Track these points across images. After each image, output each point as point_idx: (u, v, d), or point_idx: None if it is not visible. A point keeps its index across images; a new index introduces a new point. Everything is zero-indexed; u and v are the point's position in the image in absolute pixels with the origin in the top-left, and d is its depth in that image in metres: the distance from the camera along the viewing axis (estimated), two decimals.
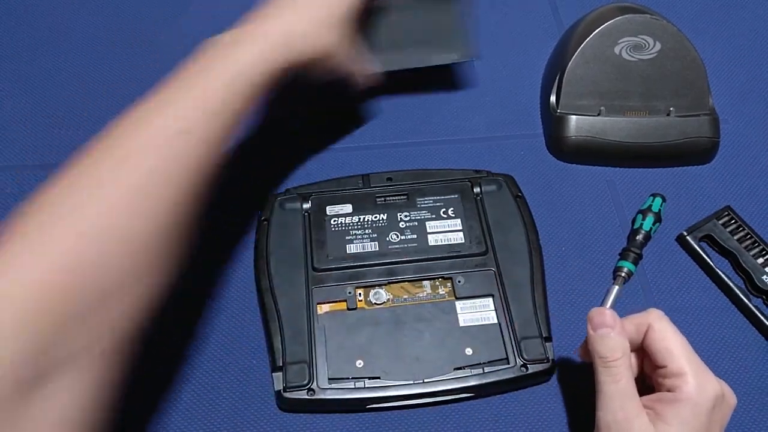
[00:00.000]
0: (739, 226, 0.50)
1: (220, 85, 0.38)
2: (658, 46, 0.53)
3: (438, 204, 0.50)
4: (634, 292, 0.48)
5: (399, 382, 0.42)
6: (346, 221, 0.49)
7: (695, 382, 0.35)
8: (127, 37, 0.62)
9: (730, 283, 0.48)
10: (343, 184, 0.51)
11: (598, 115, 0.54)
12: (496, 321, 0.44)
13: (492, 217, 0.49)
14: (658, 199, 0.50)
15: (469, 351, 0.43)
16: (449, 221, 0.49)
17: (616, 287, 0.47)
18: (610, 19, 0.53)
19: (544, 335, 0.44)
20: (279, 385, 0.42)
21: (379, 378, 0.42)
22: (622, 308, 0.47)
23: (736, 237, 0.49)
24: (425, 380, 0.42)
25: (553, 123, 0.54)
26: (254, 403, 0.44)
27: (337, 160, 0.54)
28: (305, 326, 0.44)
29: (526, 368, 0.43)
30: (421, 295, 0.46)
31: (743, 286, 0.48)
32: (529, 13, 0.64)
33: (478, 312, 0.45)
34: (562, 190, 0.53)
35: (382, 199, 0.50)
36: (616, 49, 0.53)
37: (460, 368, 0.43)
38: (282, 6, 0.43)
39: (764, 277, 0.48)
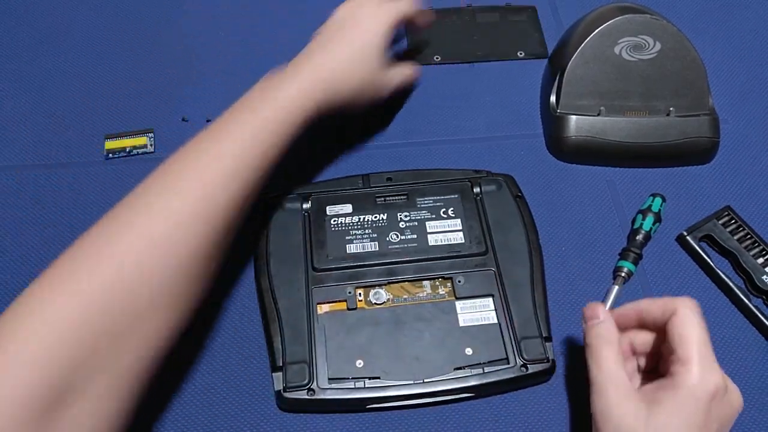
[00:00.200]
0: (739, 226, 0.50)
1: (262, 124, 0.42)
2: (658, 46, 0.53)
3: (438, 204, 0.50)
4: (634, 292, 0.48)
5: (399, 382, 0.42)
6: (346, 221, 0.49)
7: (698, 371, 0.35)
8: (127, 37, 0.62)
9: (730, 283, 0.48)
10: (343, 184, 0.51)
11: (598, 115, 0.54)
12: (496, 321, 0.44)
13: (492, 217, 0.49)
14: (658, 199, 0.50)
15: (469, 351, 0.43)
16: (449, 221, 0.49)
17: (616, 287, 0.47)
18: (610, 19, 0.53)
19: (544, 335, 0.44)
20: (279, 385, 0.42)
21: (379, 378, 0.42)
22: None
23: (736, 237, 0.49)
24: (425, 380, 0.42)
25: (553, 123, 0.54)
26: (254, 403, 0.44)
27: (337, 160, 0.54)
28: (305, 326, 0.44)
29: (526, 368, 0.43)
30: (421, 295, 0.46)
31: (743, 286, 0.48)
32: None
33: (478, 312, 0.45)
34: (562, 190, 0.53)
35: (382, 199, 0.50)
36: (616, 49, 0.53)
37: (460, 368, 0.43)
38: (323, 44, 0.48)
39: (764, 277, 0.48)
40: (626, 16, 0.52)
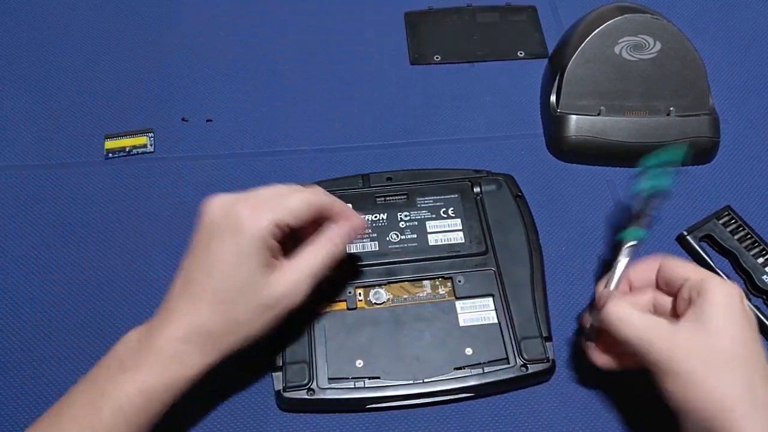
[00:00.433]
0: (739, 225, 0.50)
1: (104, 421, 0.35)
2: (658, 45, 0.53)
3: (438, 204, 0.50)
4: None
5: (399, 382, 0.42)
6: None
7: (717, 284, 0.36)
8: (127, 37, 0.62)
9: None
10: (343, 184, 0.51)
11: (598, 114, 0.54)
12: (496, 321, 0.44)
13: (492, 216, 0.49)
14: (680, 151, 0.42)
15: (469, 351, 0.43)
16: (449, 221, 0.49)
17: (626, 260, 0.41)
18: (610, 19, 0.53)
19: (544, 335, 0.44)
20: (279, 385, 0.42)
21: (378, 378, 0.42)
22: None
23: (736, 237, 0.49)
24: (425, 380, 0.42)
25: (553, 123, 0.54)
26: (254, 403, 0.44)
27: (337, 160, 0.54)
28: (305, 326, 0.44)
29: (526, 368, 0.43)
30: (421, 295, 0.46)
31: (743, 286, 0.48)
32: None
33: (478, 312, 0.45)
34: (562, 189, 0.53)
35: (382, 199, 0.50)
36: (616, 49, 0.53)
37: (460, 368, 0.43)
38: (193, 295, 0.38)
39: (764, 276, 0.48)
40: (626, 15, 0.52)
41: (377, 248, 0.48)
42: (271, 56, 0.61)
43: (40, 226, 0.51)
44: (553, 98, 0.55)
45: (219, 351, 0.38)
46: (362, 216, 0.44)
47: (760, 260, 0.48)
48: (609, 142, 0.53)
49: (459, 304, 0.45)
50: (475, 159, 0.55)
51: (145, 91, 0.58)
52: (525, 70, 0.60)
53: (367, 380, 0.42)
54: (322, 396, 0.42)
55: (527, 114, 0.58)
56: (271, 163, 0.54)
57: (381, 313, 0.45)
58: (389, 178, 0.51)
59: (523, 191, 0.51)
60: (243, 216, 0.37)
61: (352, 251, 0.47)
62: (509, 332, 0.44)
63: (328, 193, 0.41)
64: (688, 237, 0.50)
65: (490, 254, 0.47)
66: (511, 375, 0.43)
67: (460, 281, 0.46)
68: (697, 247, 0.49)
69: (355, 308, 0.45)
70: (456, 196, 0.50)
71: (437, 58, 0.61)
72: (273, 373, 0.43)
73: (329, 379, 0.42)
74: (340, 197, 0.49)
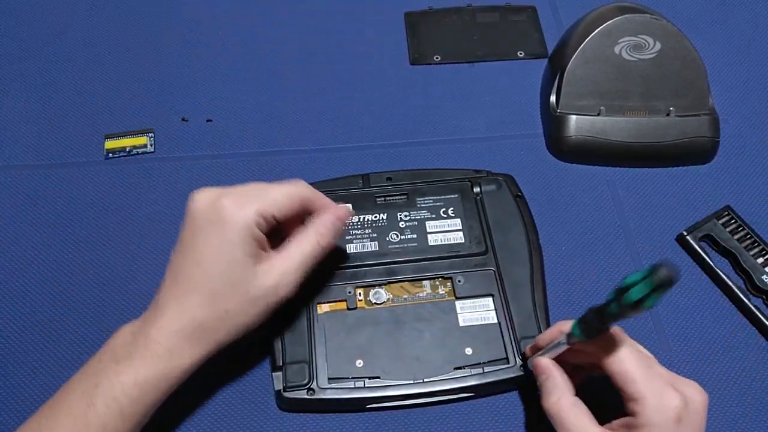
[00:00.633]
0: (739, 225, 0.50)
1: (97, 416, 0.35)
2: (658, 45, 0.53)
3: (438, 204, 0.50)
4: None
5: (399, 381, 0.42)
6: (346, 221, 0.49)
7: (654, 403, 0.34)
8: (127, 37, 0.62)
9: (730, 283, 0.48)
10: (343, 184, 0.51)
11: (598, 114, 0.54)
12: (495, 321, 0.44)
13: (492, 216, 0.49)
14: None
15: (468, 351, 0.43)
16: (449, 221, 0.49)
17: (565, 346, 0.38)
18: (610, 19, 0.53)
19: None
20: (279, 385, 0.42)
21: (378, 378, 0.42)
22: None
23: (736, 237, 0.49)
24: (425, 380, 0.42)
25: (553, 123, 0.54)
26: (254, 403, 0.44)
27: (337, 160, 0.54)
28: (305, 326, 0.44)
29: (526, 368, 0.43)
30: (421, 295, 0.46)
31: (743, 286, 0.48)
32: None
33: (477, 312, 0.45)
34: (562, 190, 0.53)
35: (382, 199, 0.50)
36: (616, 49, 0.53)
37: (459, 368, 0.43)
38: (183, 288, 0.38)
39: (764, 276, 0.48)
40: (626, 15, 0.52)
41: (377, 248, 0.48)
42: (271, 56, 0.61)
43: (40, 226, 0.51)
44: (553, 98, 0.55)
45: (212, 342, 0.38)
46: (347, 205, 0.44)
47: (760, 260, 0.48)
48: (609, 142, 0.53)
49: (459, 304, 0.45)
50: (475, 159, 0.55)
51: (145, 91, 0.58)
52: (525, 70, 0.60)
53: (367, 380, 0.42)
54: (322, 396, 0.42)
55: (527, 114, 0.58)
56: (271, 163, 0.54)
57: (381, 313, 0.45)
58: (389, 178, 0.51)
59: (523, 191, 0.51)
60: (227, 207, 0.38)
61: (351, 251, 0.47)
62: (509, 332, 0.44)
63: (310, 186, 0.41)
64: (687, 237, 0.50)
65: (490, 254, 0.47)
66: (511, 375, 0.43)
67: (459, 281, 0.46)
68: (697, 247, 0.49)
69: (355, 308, 0.45)
70: (456, 196, 0.50)
71: (437, 58, 0.61)
72: (273, 373, 0.43)
73: (329, 378, 0.42)
74: (340, 197, 0.50)
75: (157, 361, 0.37)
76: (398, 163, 0.54)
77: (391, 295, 0.46)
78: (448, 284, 0.46)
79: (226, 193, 0.39)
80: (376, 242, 0.48)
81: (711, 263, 0.49)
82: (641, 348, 0.37)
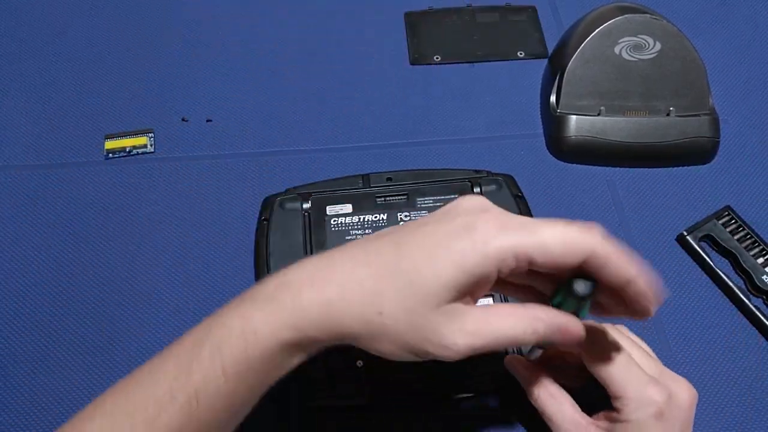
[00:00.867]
0: (739, 226, 0.50)
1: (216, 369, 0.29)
2: (658, 45, 0.53)
3: (438, 204, 0.50)
4: None
5: (399, 381, 0.42)
6: (346, 221, 0.49)
7: (634, 399, 0.34)
8: (127, 37, 0.62)
9: (730, 283, 0.48)
10: (343, 184, 0.51)
11: (598, 115, 0.54)
12: None
13: None
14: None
15: None
16: None
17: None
18: (610, 19, 0.53)
19: None
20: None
21: (379, 378, 0.42)
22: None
23: (736, 237, 0.49)
24: (426, 380, 0.42)
25: (553, 123, 0.54)
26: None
27: (337, 160, 0.54)
28: None
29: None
30: None
31: (743, 286, 0.48)
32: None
33: None
34: (562, 190, 0.53)
35: (382, 199, 0.50)
36: (616, 49, 0.53)
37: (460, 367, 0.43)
38: (368, 258, 0.30)
39: (764, 277, 0.48)
40: (626, 15, 0.52)
41: None
42: (271, 56, 0.61)
43: (39, 226, 0.51)
44: (553, 98, 0.55)
45: (337, 338, 0.30)
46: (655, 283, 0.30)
47: (760, 260, 0.48)
48: (609, 143, 0.53)
49: None
50: (475, 159, 0.55)
51: (145, 91, 0.58)
52: (525, 70, 0.60)
53: (367, 380, 0.42)
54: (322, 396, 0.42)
55: (527, 114, 0.58)
56: (271, 163, 0.54)
57: None
58: (389, 178, 0.51)
59: (523, 191, 0.51)
60: (483, 226, 0.29)
61: None
62: None
63: (608, 237, 0.29)
64: (687, 237, 0.50)
65: None
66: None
67: None
68: (697, 248, 0.49)
69: None
70: (456, 196, 0.50)
71: (437, 58, 0.61)
72: None
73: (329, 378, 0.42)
74: (340, 197, 0.50)
75: (283, 324, 0.29)
76: (398, 163, 0.54)
77: None
78: None
79: (494, 211, 0.31)
80: None
81: (711, 263, 0.49)
82: (629, 340, 0.37)
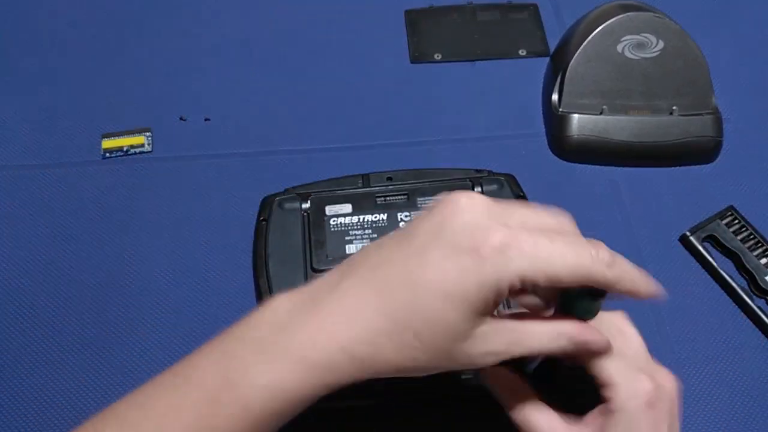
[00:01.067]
0: (743, 226, 0.50)
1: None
2: (661, 44, 0.52)
3: None
4: None
5: (398, 381, 0.42)
6: (346, 221, 0.48)
7: (625, 388, 0.33)
8: (125, 36, 0.61)
9: (734, 284, 0.47)
10: (343, 184, 0.51)
11: (601, 114, 0.53)
12: None
13: None
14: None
15: None
16: None
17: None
18: (613, 17, 0.52)
19: None
20: None
21: (380, 378, 0.42)
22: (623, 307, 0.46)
23: (739, 237, 0.49)
24: (426, 379, 0.42)
25: (555, 122, 0.54)
26: None
27: (337, 160, 0.54)
28: None
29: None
30: None
31: (746, 287, 0.48)
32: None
33: None
34: (564, 189, 0.53)
35: (382, 199, 0.50)
36: (619, 48, 0.52)
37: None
38: (378, 288, 0.29)
39: (767, 277, 0.47)
40: (628, 14, 0.52)
41: None
42: (271, 56, 0.60)
43: (37, 226, 0.50)
44: (555, 97, 0.54)
45: (364, 372, 0.31)
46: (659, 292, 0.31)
47: (764, 260, 0.48)
48: (611, 142, 0.53)
49: None
50: (476, 159, 0.54)
51: (142, 89, 0.58)
52: (526, 69, 0.60)
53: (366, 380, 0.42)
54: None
55: (529, 113, 0.57)
56: (270, 163, 0.54)
57: None
58: (389, 178, 0.51)
59: (524, 191, 0.51)
60: (488, 246, 0.28)
61: (351, 252, 0.47)
62: None
63: (620, 259, 0.30)
64: (690, 237, 0.49)
65: None
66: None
67: None
68: (700, 248, 0.49)
69: None
70: None
71: (438, 56, 0.60)
72: None
73: None
74: (340, 197, 0.49)
75: (305, 375, 0.30)
76: (398, 162, 0.54)
77: None
78: None
79: (498, 218, 0.30)
80: None
81: (714, 264, 0.48)
82: (618, 325, 0.36)
